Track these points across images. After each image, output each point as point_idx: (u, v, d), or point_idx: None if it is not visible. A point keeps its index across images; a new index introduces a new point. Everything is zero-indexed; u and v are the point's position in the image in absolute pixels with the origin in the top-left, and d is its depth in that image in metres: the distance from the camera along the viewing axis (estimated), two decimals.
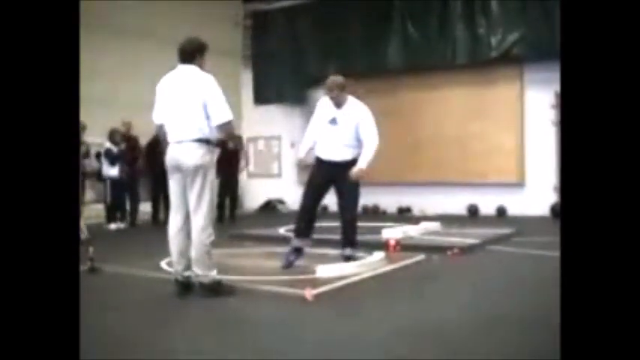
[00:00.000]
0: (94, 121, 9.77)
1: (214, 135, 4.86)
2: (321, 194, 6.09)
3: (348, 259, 6.02)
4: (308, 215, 6.08)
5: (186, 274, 4.88)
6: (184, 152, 4.75)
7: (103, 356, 3.38)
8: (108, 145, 10.43)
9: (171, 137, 4.88)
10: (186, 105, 4.77)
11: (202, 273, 4.77)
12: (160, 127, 5.03)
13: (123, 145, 10.55)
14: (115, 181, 10.42)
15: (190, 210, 4.79)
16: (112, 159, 10.33)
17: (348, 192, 6.01)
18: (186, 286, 4.90)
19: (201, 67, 4.92)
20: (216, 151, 4.96)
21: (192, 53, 4.91)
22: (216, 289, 4.79)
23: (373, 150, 5.85)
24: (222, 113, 4.75)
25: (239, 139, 11.32)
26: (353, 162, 5.88)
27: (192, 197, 4.76)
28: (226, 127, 4.87)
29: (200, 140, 4.75)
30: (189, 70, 4.87)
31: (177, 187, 4.91)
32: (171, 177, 4.93)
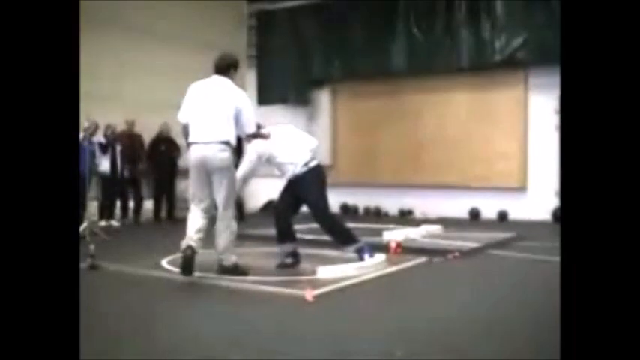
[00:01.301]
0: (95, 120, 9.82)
1: (235, 139, 5.52)
2: (289, 203, 6.26)
3: (359, 252, 6.07)
4: (281, 222, 6.22)
5: (192, 244, 5.37)
6: (212, 152, 5.37)
7: (103, 356, 3.38)
8: (101, 139, 10.36)
9: (196, 137, 5.44)
10: (218, 111, 5.40)
11: (225, 257, 5.52)
12: (185, 127, 5.58)
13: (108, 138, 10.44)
14: (105, 178, 10.33)
15: (220, 204, 5.50)
16: (102, 148, 10.22)
17: (306, 197, 6.16)
18: (188, 261, 5.35)
19: (233, 80, 5.56)
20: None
21: (227, 67, 5.56)
22: (235, 270, 5.51)
23: (239, 171, 6.02)
24: (252, 125, 5.58)
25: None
26: (297, 175, 6.11)
27: (222, 194, 5.45)
28: (254, 136, 5.75)
29: (226, 143, 5.39)
30: (224, 81, 5.51)
31: (200, 181, 5.50)
32: (196, 172, 5.49)
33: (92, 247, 6.03)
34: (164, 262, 6.21)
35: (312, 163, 6.14)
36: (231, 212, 5.55)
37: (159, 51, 12.53)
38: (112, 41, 11.60)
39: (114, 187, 10.62)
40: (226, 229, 5.51)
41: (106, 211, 10.44)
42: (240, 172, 6.05)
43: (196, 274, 5.49)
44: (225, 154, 5.38)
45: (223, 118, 5.39)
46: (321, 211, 6.15)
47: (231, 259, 5.55)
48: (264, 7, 14.82)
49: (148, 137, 11.56)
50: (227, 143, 5.39)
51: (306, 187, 6.10)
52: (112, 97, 11.38)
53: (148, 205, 11.44)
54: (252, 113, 5.58)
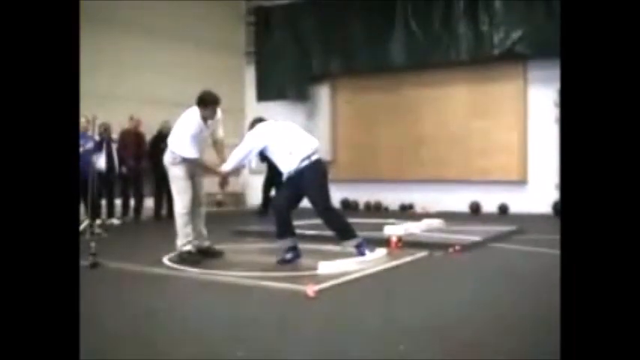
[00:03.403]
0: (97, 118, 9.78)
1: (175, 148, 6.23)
2: (289, 197, 6.27)
3: (358, 247, 6.06)
4: (280, 217, 6.23)
5: (196, 243, 6.36)
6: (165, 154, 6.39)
7: (103, 356, 3.38)
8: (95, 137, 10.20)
9: None
10: (175, 126, 6.38)
11: (178, 245, 6.23)
12: None
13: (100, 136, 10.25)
14: (100, 175, 10.12)
15: None
16: (97, 146, 9.96)
17: (308, 191, 6.12)
18: (200, 252, 6.34)
19: (205, 114, 6.20)
20: (182, 159, 6.18)
21: (197, 102, 6.24)
22: (184, 259, 6.10)
23: (231, 159, 6.29)
24: (175, 142, 6.23)
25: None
26: (298, 170, 6.06)
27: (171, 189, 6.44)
28: (190, 163, 6.22)
29: (171, 150, 6.26)
30: (192, 109, 6.26)
31: None
32: None
33: (93, 245, 6.04)
34: (165, 259, 6.22)
35: (314, 157, 6.12)
36: (176, 210, 6.27)
37: (158, 49, 12.53)
38: (111, 40, 11.60)
39: (109, 185, 10.55)
40: (175, 220, 6.28)
41: (97, 210, 10.10)
42: (230, 159, 6.24)
43: (198, 270, 5.64)
44: (167, 158, 6.32)
45: (174, 131, 6.33)
46: (323, 205, 6.14)
47: (179, 245, 6.23)
48: (262, 3, 14.82)
49: (147, 135, 11.56)
50: (171, 151, 6.28)
51: (308, 181, 6.08)
52: (111, 95, 11.39)
53: (149, 202, 11.46)
54: (182, 139, 6.16)
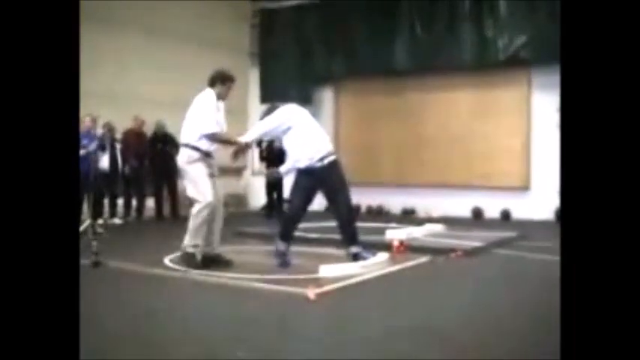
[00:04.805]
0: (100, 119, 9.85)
1: (203, 143, 5.88)
2: (308, 199, 6.19)
3: (355, 256, 6.03)
4: (296, 221, 6.17)
5: (206, 249, 5.97)
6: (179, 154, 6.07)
7: (103, 355, 3.38)
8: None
9: None
10: (187, 118, 6.00)
11: (186, 246, 5.87)
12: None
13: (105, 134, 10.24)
14: (103, 175, 10.01)
15: None
16: (100, 146, 9.81)
17: (341, 189, 6.07)
18: (206, 260, 5.92)
19: (221, 92, 6.01)
20: (200, 156, 5.88)
21: (212, 81, 6.04)
22: (186, 260, 5.83)
23: (254, 130, 6.21)
24: (201, 127, 5.83)
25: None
26: (328, 163, 5.99)
27: (188, 190, 6.04)
28: (210, 138, 5.89)
29: (186, 145, 5.92)
30: (206, 92, 5.98)
31: None
32: None
33: (95, 244, 6.05)
34: (166, 260, 6.23)
35: (334, 156, 6.08)
36: (195, 208, 5.83)
37: (161, 49, 12.54)
38: (113, 39, 11.61)
39: (112, 185, 10.57)
40: (191, 219, 5.88)
41: (98, 209, 9.73)
42: (253, 130, 6.14)
43: (199, 271, 5.67)
44: (183, 156, 5.95)
45: (187, 123, 5.97)
46: (351, 206, 6.12)
47: (186, 246, 5.89)
48: (267, 5, 14.83)
49: (149, 135, 11.60)
50: (186, 145, 5.92)
51: (340, 180, 6.02)
52: (114, 95, 11.40)
53: (151, 202, 11.47)
54: (202, 117, 5.84)
